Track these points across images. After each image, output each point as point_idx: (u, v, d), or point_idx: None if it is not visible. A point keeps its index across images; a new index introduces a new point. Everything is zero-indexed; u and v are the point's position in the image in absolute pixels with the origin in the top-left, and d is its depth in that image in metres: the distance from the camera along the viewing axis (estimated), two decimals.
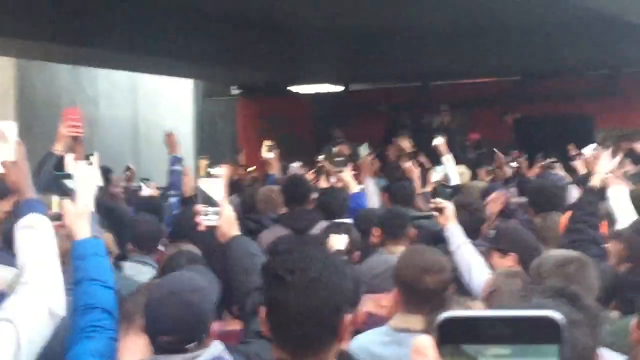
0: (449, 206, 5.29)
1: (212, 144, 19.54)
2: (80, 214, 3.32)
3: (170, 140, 9.39)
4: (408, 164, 10.13)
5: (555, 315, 0.84)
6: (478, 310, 0.92)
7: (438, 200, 5.44)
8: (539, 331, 0.82)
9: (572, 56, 16.58)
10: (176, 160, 8.74)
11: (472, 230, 5.63)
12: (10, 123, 3.37)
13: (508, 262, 4.91)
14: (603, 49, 15.86)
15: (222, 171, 8.32)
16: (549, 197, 6.67)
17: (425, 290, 3.74)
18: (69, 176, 3.56)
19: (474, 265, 4.86)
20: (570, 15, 13.82)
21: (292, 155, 13.13)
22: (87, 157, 3.71)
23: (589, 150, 8.34)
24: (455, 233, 5.19)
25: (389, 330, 3.79)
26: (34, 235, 3.01)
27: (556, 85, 18.20)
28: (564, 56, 16.67)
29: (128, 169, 12.91)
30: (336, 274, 2.58)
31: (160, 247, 6.48)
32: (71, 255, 3.22)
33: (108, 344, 2.99)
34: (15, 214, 3.29)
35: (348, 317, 2.58)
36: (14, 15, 12.90)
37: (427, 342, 0.84)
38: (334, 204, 6.94)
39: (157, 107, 20.44)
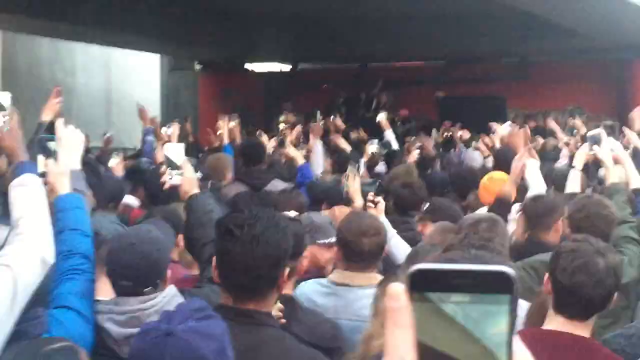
0: (381, 201, 5.31)
1: (176, 113, 19.08)
2: (62, 172, 3.31)
3: (142, 113, 9.70)
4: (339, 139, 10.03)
5: (509, 270, 0.86)
6: (444, 264, 0.90)
7: (370, 196, 5.41)
8: (495, 283, 0.84)
9: (488, 45, 17.24)
10: (148, 131, 9.01)
11: (413, 205, 5.92)
12: (4, 93, 3.45)
13: None
14: (515, 40, 16.63)
15: (172, 130, 8.68)
16: (467, 181, 7.19)
17: (362, 250, 3.89)
18: (52, 139, 3.46)
19: (406, 251, 4.86)
20: (488, 9, 14.16)
21: (246, 124, 13.39)
22: (47, 137, 3.54)
23: (505, 127, 8.60)
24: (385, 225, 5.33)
25: (329, 283, 3.91)
26: (27, 193, 3.03)
27: (475, 70, 18.88)
28: (482, 45, 17.30)
29: (106, 136, 12.97)
30: (277, 232, 2.71)
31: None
32: (54, 208, 3.22)
33: (87, 285, 3.03)
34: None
35: (286, 270, 2.75)
36: None
37: (399, 289, 0.85)
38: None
39: (128, 78, 20.72)
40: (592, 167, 6.91)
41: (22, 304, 2.60)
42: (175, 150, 3.97)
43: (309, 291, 3.77)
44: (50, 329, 2.71)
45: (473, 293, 0.82)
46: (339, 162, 8.35)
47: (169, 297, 2.91)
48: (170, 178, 3.86)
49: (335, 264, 3.97)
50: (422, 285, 0.83)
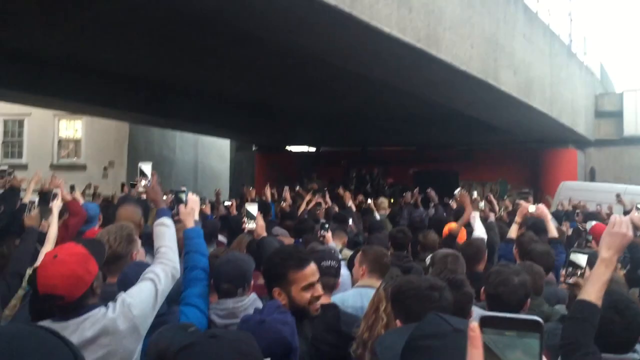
0: (328, 235, 5.08)
1: (240, 178, 20.71)
2: (189, 213, 3.31)
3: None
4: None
5: (539, 319, 0.91)
6: (505, 314, 0.83)
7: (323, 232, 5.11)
8: (530, 325, 0.90)
9: (446, 137, 18.08)
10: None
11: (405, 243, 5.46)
12: (147, 163, 3.34)
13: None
14: (464, 134, 17.32)
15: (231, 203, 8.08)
16: (433, 223, 7.11)
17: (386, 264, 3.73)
18: (184, 192, 3.50)
19: None
20: (447, 114, 14.59)
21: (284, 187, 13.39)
22: (179, 192, 3.58)
23: (456, 192, 8.30)
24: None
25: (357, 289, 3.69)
26: (165, 230, 3.02)
27: (438, 153, 19.57)
28: (442, 137, 18.12)
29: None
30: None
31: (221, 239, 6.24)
32: (184, 236, 3.21)
33: (204, 289, 3.00)
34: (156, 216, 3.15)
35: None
36: (132, 96, 14.19)
37: (475, 325, 0.92)
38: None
39: (209, 154, 21.98)
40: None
41: (160, 304, 2.65)
42: (251, 207, 3.93)
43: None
44: (179, 319, 2.78)
45: (519, 331, 0.93)
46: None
47: (251, 300, 2.98)
48: (248, 224, 3.89)
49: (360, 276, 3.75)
50: (488, 324, 0.94)
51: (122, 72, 13.02)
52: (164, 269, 2.78)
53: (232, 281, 2.96)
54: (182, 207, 3.38)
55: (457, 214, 6.75)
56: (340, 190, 9.95)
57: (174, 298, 2.93)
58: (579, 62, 18.30)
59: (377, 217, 9.08)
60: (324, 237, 5.08)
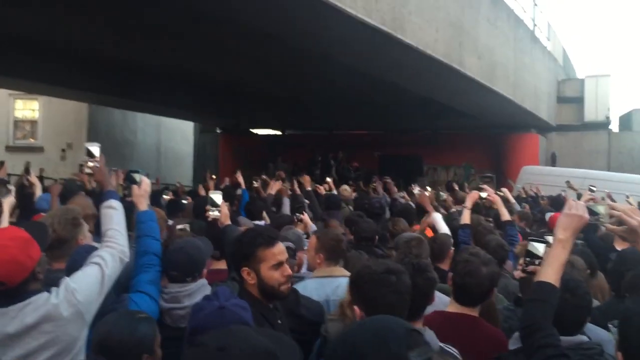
0: (305, 217, 4.93)
1: (204, 162, 20.32)
2: (142, 194, 3.21)
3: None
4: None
5: None
6: None
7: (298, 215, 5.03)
8: None
9: (411, 122, 18.18)
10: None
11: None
12: (95, 144, 3.27)
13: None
14: (428, 118, 17.35)
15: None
16: (400, 212, 6.71)
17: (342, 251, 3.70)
18: (137, 172, 3.36)
19: None
20: (412, 99, 14.63)
21: (250, 172, 12.81)
22: (133, 172, 3.40)
23: (416, 191, 8.12)
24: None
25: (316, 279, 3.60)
26: (113, 212, 2.92)
27: (402, 138, 19.58)
28: (406, 121, 18.18)
29: (156, 179, 12.12)
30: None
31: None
32: (135, 220, 3.13)
33: (156, 275, 2.94)
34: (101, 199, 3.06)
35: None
36: (91, 76, 13.98)
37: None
38: (256, 210, 6.34)
39: (172, 137, 21.73)
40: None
41: (107, 289, 2.57)
42: (216, 195, 3.87)
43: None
44: (129, 307, 2.69)
45: None
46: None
47: (199, 286, 2.93)
48: (212, 212, 3.81)
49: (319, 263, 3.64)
50: None
51: (81, 51, 12.68)
52: (111, 252, 2.69)
53: (180, 269, 2.92)
54: (135, 187, 3.26)
55: (417, 214, 6.60)
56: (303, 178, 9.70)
57: (124, 284, 2.85)
58: (542, 48, 18.48)
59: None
60: (300, 220, 4.98)
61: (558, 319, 2.24)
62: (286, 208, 7.18)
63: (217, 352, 1.46)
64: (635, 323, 1.98)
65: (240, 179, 8.20)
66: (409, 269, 2.48)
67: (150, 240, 3.03)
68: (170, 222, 5.79)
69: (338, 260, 3.65)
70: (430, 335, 2.37)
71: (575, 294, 2.49)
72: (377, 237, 4.92)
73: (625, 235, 2.47)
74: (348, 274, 3.49)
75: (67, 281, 2.46)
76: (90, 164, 3.25)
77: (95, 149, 3.24)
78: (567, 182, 10.92)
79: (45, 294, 2.37)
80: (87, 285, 2.49)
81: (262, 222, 5.45)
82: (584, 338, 2.50)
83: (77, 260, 2.75)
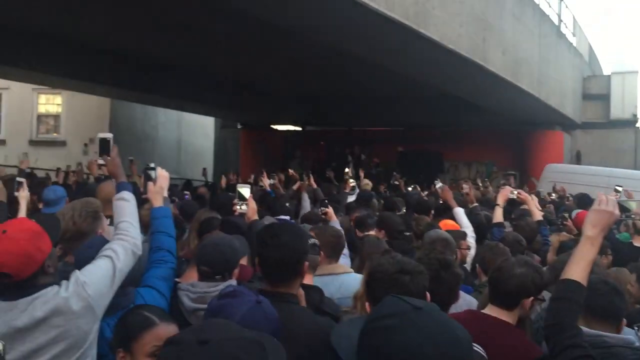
0: (330, 210, 4.82)
1: (224, 157, 20.82)
2: (158, 191, 3.19)
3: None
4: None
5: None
6: None
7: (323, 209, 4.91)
8: None
9: (432, 118, 17.83)
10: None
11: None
12: (109, 134, 3.24)
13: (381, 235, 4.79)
14: (450, 114, 17.02)
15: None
16: (420, 207, 6.64)
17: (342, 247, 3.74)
18: (153, 169, 3.28)
19: None
20: (431, 93, 14.35)
21: (269, 166, 13.59)
22: (149, 169, 3.33)
23: (438, 186, 7.36)
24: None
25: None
26: (125, 204, 2.88)
27: (423, 134, 19.32)
28: (428, 117, 17.82)
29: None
30: (296, 238, 2.60)
31: None
32: (150, 215, 3.12)
33: (168, 272, 2.89)
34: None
35: (306, 264, 2.61)
36: (114, 71, 14.01)
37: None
38: (276, 205, 6.38)
39: (193, 132, 21.79)
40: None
41: (118, 283, 2.50)
42: (244, 189, 3.84)
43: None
44: (135, 301, 2.64)
45: None
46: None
47: (228, 284, 2.77)
48: (240, 207, 3.79)
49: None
50: None
51: (104, 46, 12.78)
52: (123, 245, 2.63)
53: (211, 265, 2.81)
54: (150, 185, 3.23)
55: (438, 210, 6.53)
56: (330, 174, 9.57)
57: (135, 280, 2.77)
58: (568, 44, 18.22)
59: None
60: (325, 214, 4.92)
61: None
62: (306, 203, 7.13)
63: (198, 346, 1.37)
64: None
65: (266, 182, 8.08)
66: (434, 265, 2.44)
67: (164, 236, 3.00)
68: None
69: (339, 256, 3.62)
70: None
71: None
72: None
73: None
74: (350, 270, 3.58)
75: (77, 274, 2.41)
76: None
77: (108, 139, 3.18)
78: (617, 187, 9.55)
79: (55, 287, 2.32)
80: (97, 278, 2.43)
81: (287, 217, 5.36)
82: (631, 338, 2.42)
83: (84, 251, 2.68)
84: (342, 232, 3.88)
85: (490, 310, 2.69)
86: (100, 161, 3.20)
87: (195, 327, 1.49)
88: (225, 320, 1.64)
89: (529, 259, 2.93)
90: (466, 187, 7.46)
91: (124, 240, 2.67)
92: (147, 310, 2.19)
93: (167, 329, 2.13)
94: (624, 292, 2.55)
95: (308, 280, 3.06)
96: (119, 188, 2.98)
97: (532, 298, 2.71)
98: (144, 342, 2.13)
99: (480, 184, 12.06)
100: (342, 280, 3.47)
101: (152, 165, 3.41)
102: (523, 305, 2.70)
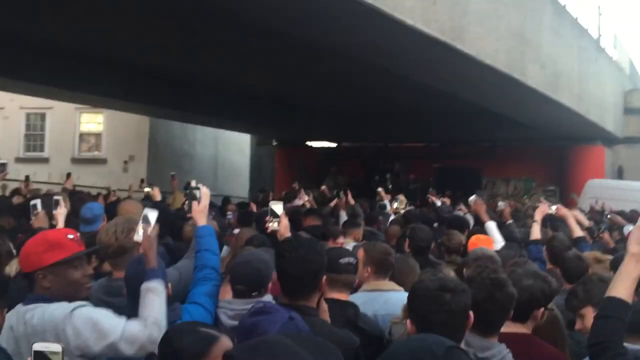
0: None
1: (260, 173, 20.86)
2: (202, 210, 3.24)
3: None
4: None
5: None
6: None
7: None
8: None
9: (469, 134, 17.88)
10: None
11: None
12: (153, 210, 2.95)
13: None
14: (488, 130, 17.05)
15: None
16: (456, 223, 6.15)
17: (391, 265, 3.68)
18: (198, 188, 3.29)
19: None
20: (471, 110, 14.57)
21: (307, 182, 13.35)
22: (194, 188, 3.34)
23: (471, 199, 7.15)
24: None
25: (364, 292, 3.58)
26: (154, 298, 2.57)
27: (460, 149, 19.14)
28: (465, 133, 17.87)
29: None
30: (314, 253, 2.66)
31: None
32: (195, 234, 3.19)
33: (213, 289, 2.94)
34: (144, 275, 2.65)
35: (323, 279, 2.67)
36: (153, 90, 14.30)
37: None
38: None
39: (229, 149, 22.03)
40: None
41: (102, 348, 2.39)
42: (276, 206, 3.82)
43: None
44: (182, 317, 2.71)
45: None
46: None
47: (264, 300, 2.78)
48: (272, 224, 3.75)
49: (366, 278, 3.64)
50: None
51: (143, 65, 13.09)
52: (139, 331, 2.45)
53: (246, 283, 2.85)
54: (195, 204, 3.27)
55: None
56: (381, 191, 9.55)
57: (181, 296, 2.82)
58: (607, 57, 17.90)
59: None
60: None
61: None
62: (342, 220, 7.06)
63: None
64: None
65: (304, 197, 8.09)
66: (487, 284, 2.41)
67: (209, 254, 3.05)
68: (236, 230, 5.75)
69: (387, 273, 3.63)
70: (500, 349, 2.31)
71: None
72: (432, 245, 4.89)
73: None
74: (398, 287, 3.57)
75: (75, 312, 2.41)
76: (141, 230, 2.87)
77: (152, 215, 2.91)
78: None
79: (31, 304, 2.45)
80: (83, 325, 2.39)
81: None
82: None
83: (135, 266, 2.74)
84: (391, 249, 3.87)
85: (507, 327, 2.60)
86: (137, 237, 2.85)
87: (249, 346, 1.52)
88: (280, 337, 1.67)
89: (536, 269, 2.93)
90: (502, 205, 7.34)
91: (142, 329, 2.48)
92: (198, 325, 2.13)
93: (227, 341, 2.09)
94: None
95: (344, 297, 3.14)
96: (149, 275, 2.64)
97: (542, 308, 2.72)
98: (214, 355, 2.05)
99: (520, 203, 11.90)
100: (388, 297, 3.47)
101: (195, 184, 3.43)
102: (534, 316, 2.70)
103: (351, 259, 3.33)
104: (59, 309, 2.37)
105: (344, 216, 7.25)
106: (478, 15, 9.58)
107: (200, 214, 3.24)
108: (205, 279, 2.95)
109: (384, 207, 8.60)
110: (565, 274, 3.98)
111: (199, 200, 3.31)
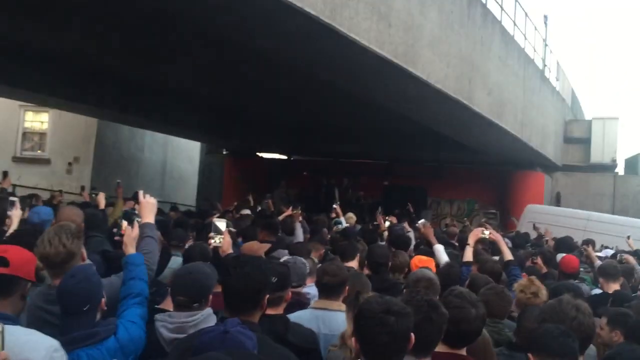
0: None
1: (209, 182, 20.69)
2: (133, 238, 3.35)
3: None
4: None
5: None
6: None
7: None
8: None
9: (417, 152, 18.19)
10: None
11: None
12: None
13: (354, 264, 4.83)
14: (434, 151, 17.47)
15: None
16: (401, 242, 6.36)
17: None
18: (136, 214, 3.44)
19: None
20: (416, 129, 14.41)
21: (254, 195, 12.75)
22: (135, 214, 3.47)
23: (420, 223, 7.62)
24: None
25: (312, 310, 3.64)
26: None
27: (407, 169, 19.55)
28: (412, 153, 18.24)
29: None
30: (258, 271, 2.70)
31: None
32: (128, 261, 3.20)
33: (144, 311, 3.05)
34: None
35: (266, 296, 2.72)
36: (102, 92, 14.03)
37: None
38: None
39: (178, 156, 21.72)
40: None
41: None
42: (220, 223, 3.85)
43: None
44: (118, 333, 2.79)
45: None
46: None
47: (205, 315, 2.89)
48: (214, 241, 3.79)
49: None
50: None
51: (92, 66, 12.79)
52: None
53: (188, 294, 2.89)
54: (129, 230, 3.34)
55: (417, 247, 6.70)
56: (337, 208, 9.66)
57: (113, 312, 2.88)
58: (551, 88, 18.59)
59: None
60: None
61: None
62: (299, 233, 7.22)
63: None
64: None
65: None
66: (423, 307, 2.49)
67: (141, 283, 3.12)
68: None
69: (339, 294, 3.67)
70: None
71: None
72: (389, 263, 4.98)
73: None
74: (344, 308, 3.55)
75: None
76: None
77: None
78: (628, 237, 10.03)
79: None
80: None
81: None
82: None
83: (70, 281, 2.73)
84: (344, 269, 3.90)
85: (444, 348, 2.71)
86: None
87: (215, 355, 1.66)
88: (248, 352, 1.82)
89: (474, 297, 2.99)
90: (421, 221, 7.60)
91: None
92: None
93: None
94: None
95: (279, 311, 3.20)
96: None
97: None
98: None
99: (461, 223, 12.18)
100: (332, 316, 3.53)
101: (143, 195, 3.50)
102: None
103: (274, 279, 3.27)
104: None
105: (299, 228, 7.35)
106: (430, 40, 9.84)
107: (131, 241, 3.29)
108: (139, 304, 3.03)
109: (339, 223, 8.74)
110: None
111: (132, 224, 3.36)
